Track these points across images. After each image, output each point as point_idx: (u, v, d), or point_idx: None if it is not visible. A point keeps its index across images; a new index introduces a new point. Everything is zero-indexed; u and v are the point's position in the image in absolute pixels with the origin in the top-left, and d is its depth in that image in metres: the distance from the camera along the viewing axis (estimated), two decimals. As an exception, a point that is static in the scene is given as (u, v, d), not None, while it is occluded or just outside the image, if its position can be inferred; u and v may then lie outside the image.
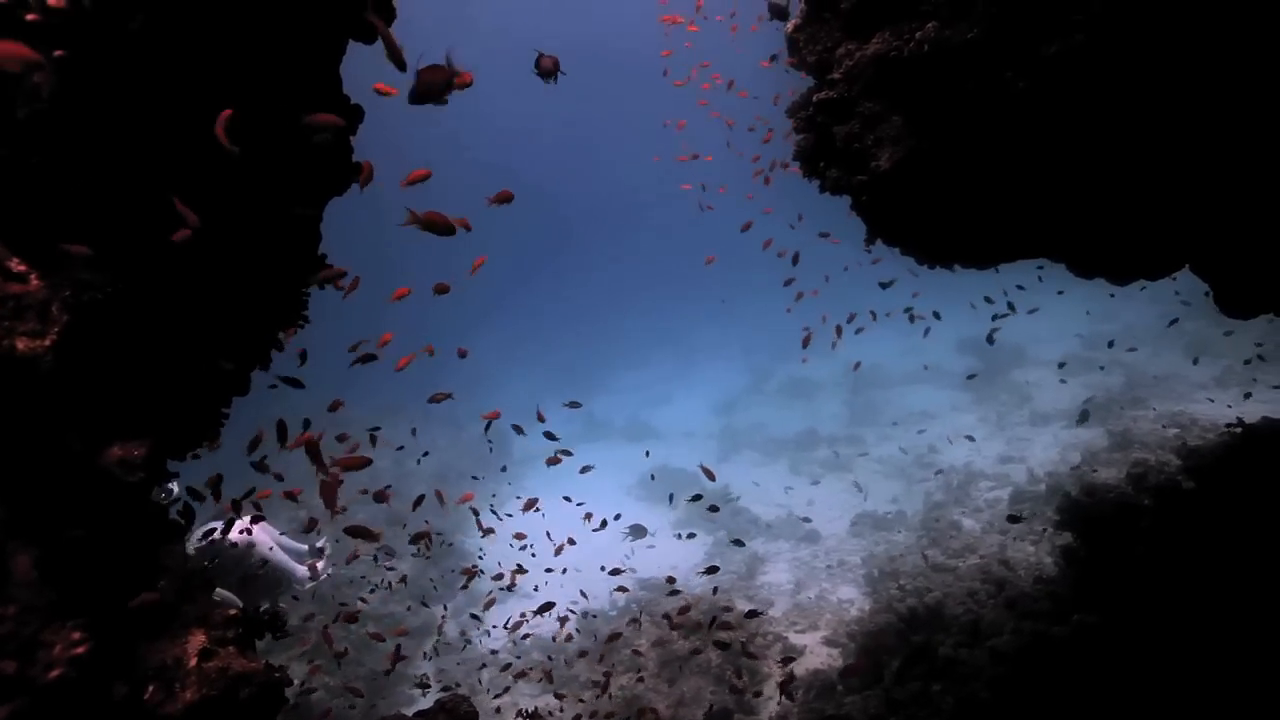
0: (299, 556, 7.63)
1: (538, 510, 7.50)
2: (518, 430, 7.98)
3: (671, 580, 8.56)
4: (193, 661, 2.03)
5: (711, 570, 7.79)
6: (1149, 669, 4.45)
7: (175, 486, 6.75)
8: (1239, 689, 4.01)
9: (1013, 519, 6.85)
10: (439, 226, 3.31)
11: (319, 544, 7.89)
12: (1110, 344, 12.56)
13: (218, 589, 6.88)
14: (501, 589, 8.99)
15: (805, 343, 9.03)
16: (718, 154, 10.74)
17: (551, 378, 31.13)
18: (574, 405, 9.63)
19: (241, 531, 7.08)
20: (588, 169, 48.28)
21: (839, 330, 9.19)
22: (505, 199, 4.58)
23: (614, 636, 8.11)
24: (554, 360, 34.63)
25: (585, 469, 9.05)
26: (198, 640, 2.08)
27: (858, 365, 12.33)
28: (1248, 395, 11.11)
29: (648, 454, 11.97)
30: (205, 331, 2.53)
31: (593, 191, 48.89)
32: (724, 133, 10.46)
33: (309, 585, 7.62)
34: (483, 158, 40.48)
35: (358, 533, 5.33)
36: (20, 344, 1.71)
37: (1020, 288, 9.15)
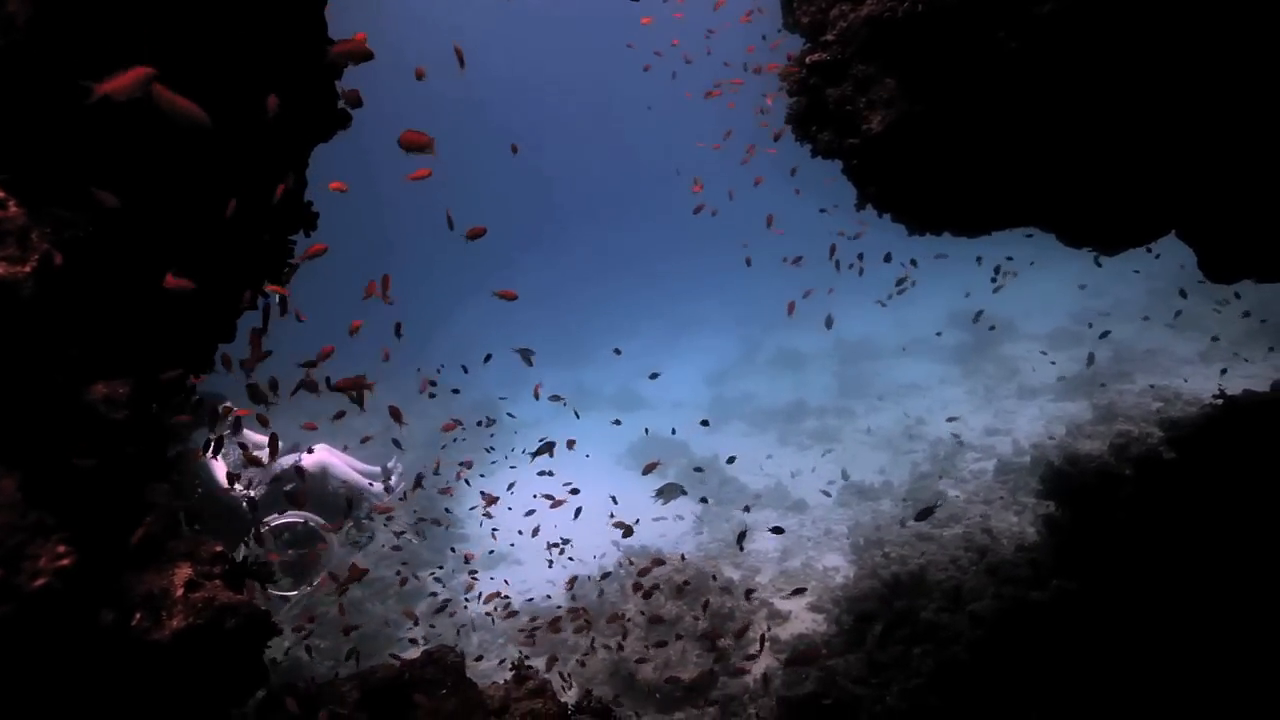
0: (372, 476, 7.99)
1: (554, 454, 7.60)
2: (527, 358, 8.04)
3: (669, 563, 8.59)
4: (179, 592, 2.05)
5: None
6: (1125, 632, 4.55)
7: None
8: (1212, 649, 4.10)
9: (924, 513, 6.88)
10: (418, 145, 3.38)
11: (389, 463, 8.23)
12: (1103, 334, 12.56)
13: (306, 514, 7.22)
14: (489, 554, 9.06)
15: (790, 309, 8.99)
16: (713, 122, 10.57)
17: (540, 347, 31.08)
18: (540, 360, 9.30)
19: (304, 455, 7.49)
20: (580, 137, 47.76)
21: (833, 249, 9.00)
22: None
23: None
24: (543, 330, 34.56)
25: (616, 422, 8.89)
26: (184, 572, 2.11)
27: (901, 289, 11.84)
28: (1243, 356, 11.12)
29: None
30: (190, 275, 2.52)
31: (584, 160, 48.40)
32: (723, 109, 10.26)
33: (385, 501, 8.04)
34: (473, 119, 40.00)
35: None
36: (0, 268, 1.70)
37: (1008, 261, 9.13)
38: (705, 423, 9.05)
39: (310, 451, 7.75)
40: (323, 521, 7.28)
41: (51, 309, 1.78)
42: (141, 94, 2.01)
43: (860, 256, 8.58)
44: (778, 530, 5.97)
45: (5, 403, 1.68)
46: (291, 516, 7.23)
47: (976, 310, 10.29)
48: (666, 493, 8.13)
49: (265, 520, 7.24)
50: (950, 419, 13.57)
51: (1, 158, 1.93)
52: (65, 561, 1.62)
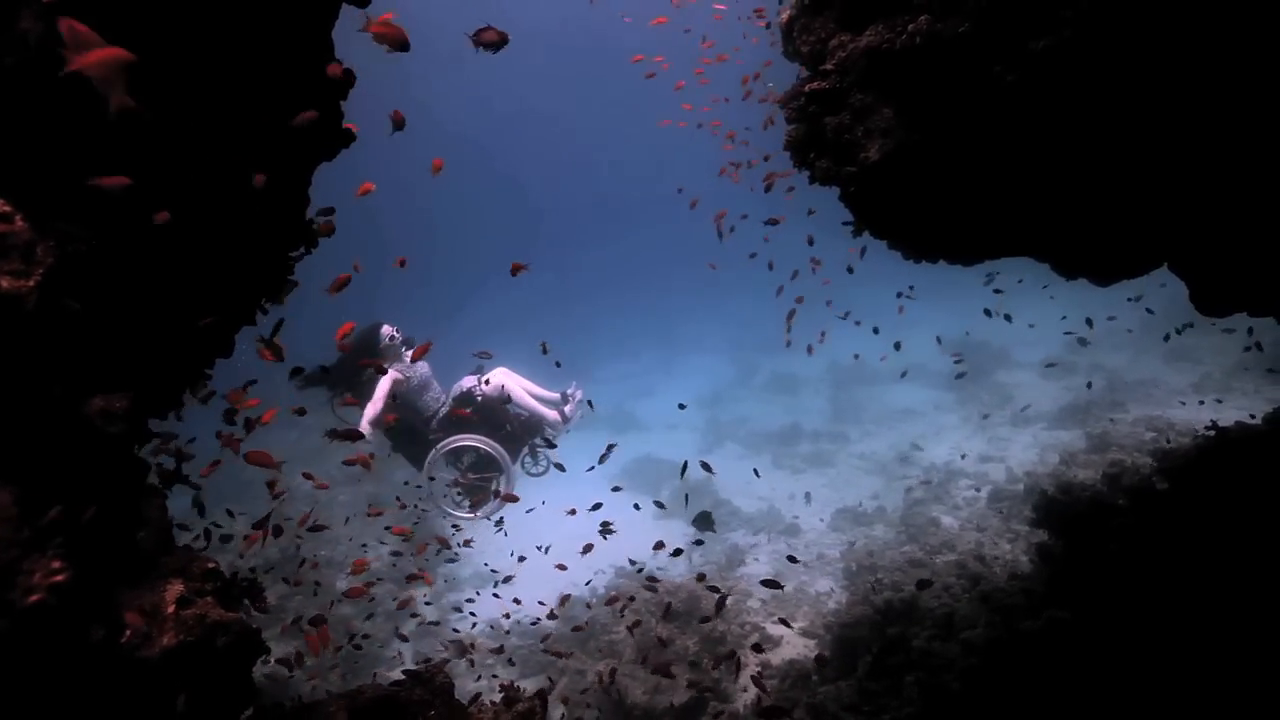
0: (552, 403, 7.94)
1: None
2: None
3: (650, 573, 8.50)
4: (170, 609, 2.04)
5: (677, 553, 7.64)
6: (1118, 663, 4.53)
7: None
8: (1204, 682, 4.09)
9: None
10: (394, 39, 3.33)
11: (569, 389, 8.21)
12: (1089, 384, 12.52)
13: (481, 436, 7.18)
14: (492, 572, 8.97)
15: (790, 321, 8.92)
16: (713, 148, 10.63)
17: (533, 366, 31.02)
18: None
19: (486, 380, 7.55)
20: (573, 157, 47.93)
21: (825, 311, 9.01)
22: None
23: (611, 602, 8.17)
24: (536, 348, 34.46)
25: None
26: (176, 589, 2.09)
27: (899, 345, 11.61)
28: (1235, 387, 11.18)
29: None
30: (188, 290, 2.53)
31: (578, 180, 48.55)
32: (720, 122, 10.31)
33: (561, 430, 7.89)
34: (467, 142, 40.19)
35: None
36: (4, 282, 1.70)
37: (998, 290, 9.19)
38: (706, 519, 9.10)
39: (489, 375, 7.70)
40: (501, 450, 7.20)
41: (54, 322, 1.78)
42: (112, 75, 1.96)
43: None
44: (773, 585, 5.88)
45: (3, 416, 1.68)
46: (471, 440, 7.18)
47: (964, 344, 10.35)
48: (700, 522, 8.01)
49: (446, 441, 7.23)
50: (962, 456, 13.52)
51: (11, 171, 1.95)
52: (60, 578, 1.61)
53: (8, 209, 1.77)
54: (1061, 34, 3.17)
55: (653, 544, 7.39)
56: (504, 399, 7.55)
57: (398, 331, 7.66)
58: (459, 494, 7.71)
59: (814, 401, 20.86)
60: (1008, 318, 9.63)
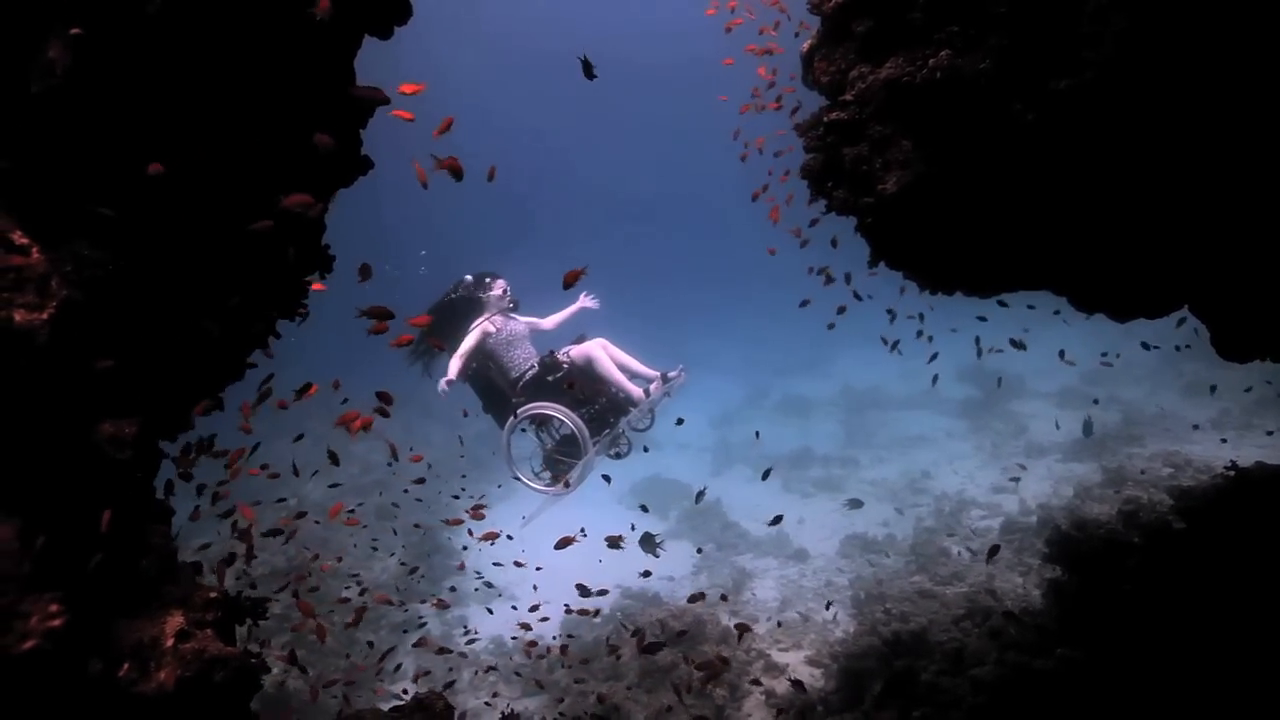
0: (645, 381, 7.57)
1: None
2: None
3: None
4: (169, 642, 2.03)
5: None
6: (1130, 706, 4.44)
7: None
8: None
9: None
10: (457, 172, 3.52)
11: (672, 372, 7.80)
12: (1093, 410, 12.24)
13: (563, 408, 6.90)
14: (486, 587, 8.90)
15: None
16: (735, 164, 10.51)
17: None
18: None
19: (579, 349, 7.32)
20: (584, 172, 47.92)
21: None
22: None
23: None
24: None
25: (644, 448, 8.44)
26: (176, 621, 2.08)
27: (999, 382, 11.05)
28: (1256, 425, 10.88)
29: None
30: (202, 314, 2.54)
31: (589, 194, 48.49)
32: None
33: (643, 409, 7.48)
34: (476, 157, 40.26)
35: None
36: (18, 316, 1.72)
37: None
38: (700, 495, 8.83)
39: (583, 345, 7.41)
40: (581, 424, 6.88)
41: (66, 353, 1.79)
42: None
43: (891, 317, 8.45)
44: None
45: (10, 448, 1.68)
46: (550, 409, 6.90)
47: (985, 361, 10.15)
48: (645, 544, 7.17)
49: (527, 407, 6.99)
50: (1013, 478, 13.20)
51: (35, 196, 1.97)
52: (56, 623, 1.60)
53: (25, 241, 1.79)
54: (1084, 75, 3.15)
55: (656, 565, 7.12)
56: (590, 371, 7.17)
57: (509, 289, 7.64)
58: (540, 466, 7.34)
59: (825, 425, 20.71)
60: (1013, 342, 9.48)
